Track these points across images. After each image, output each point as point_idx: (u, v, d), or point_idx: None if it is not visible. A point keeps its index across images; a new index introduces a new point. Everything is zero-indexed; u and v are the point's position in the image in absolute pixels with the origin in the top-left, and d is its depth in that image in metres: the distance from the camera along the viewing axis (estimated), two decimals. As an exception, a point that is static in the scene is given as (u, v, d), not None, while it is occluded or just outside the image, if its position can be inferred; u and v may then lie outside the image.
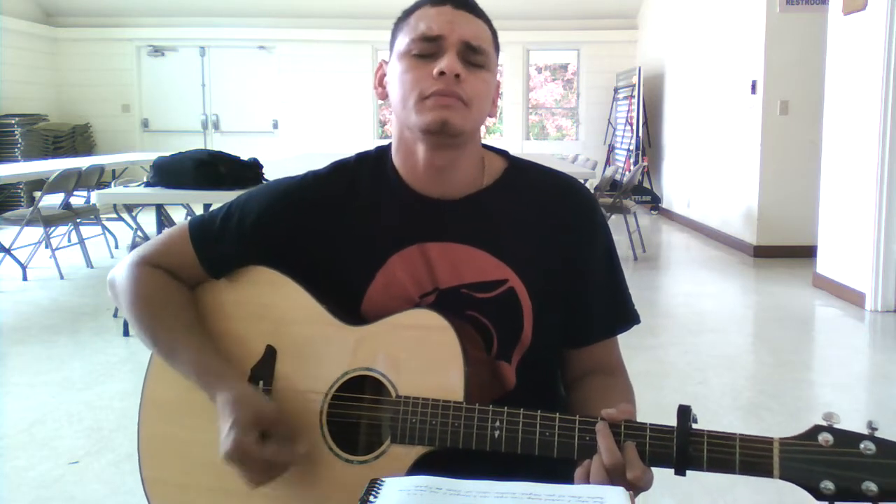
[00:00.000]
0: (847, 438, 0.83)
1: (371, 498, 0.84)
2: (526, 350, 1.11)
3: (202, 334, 1.11)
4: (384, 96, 1.12)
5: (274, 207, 1.14)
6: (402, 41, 1.06)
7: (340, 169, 1.17)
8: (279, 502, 1.04)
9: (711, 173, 7.55)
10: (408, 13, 1.09)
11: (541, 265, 1.11)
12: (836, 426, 0.85)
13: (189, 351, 1.07)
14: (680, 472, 0.89)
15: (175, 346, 1.09)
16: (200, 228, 1.16)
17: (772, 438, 0.86)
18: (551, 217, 1.13)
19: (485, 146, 1.17)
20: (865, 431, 0.83)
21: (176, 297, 1.13)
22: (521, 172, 1.17)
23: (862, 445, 0.82)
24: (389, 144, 1.16)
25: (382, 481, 0.87)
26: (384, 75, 1.12)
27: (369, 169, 1.16)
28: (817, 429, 0.85)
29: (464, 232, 1.10)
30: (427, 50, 1.04)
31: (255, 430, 0.98)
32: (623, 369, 1.19)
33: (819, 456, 0.83)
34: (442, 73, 1.01)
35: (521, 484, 0.85)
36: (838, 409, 3.11)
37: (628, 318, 1.17)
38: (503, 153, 1.19)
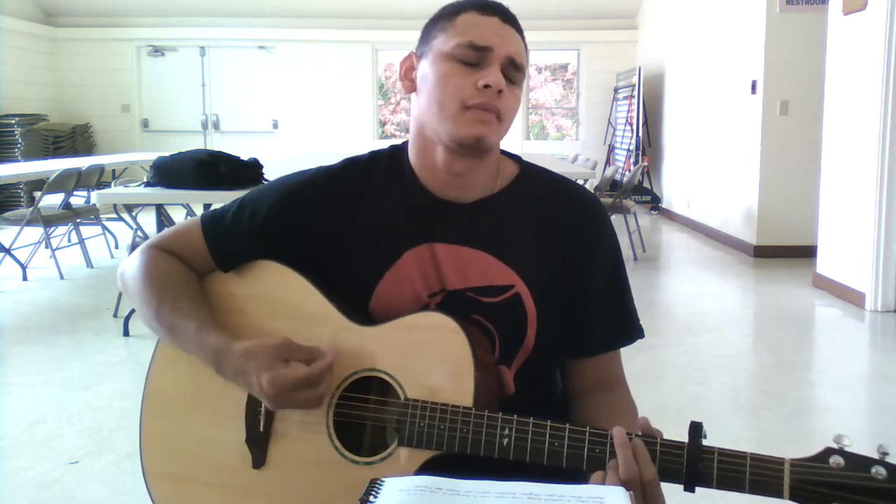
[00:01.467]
0: (858, 462, 0.83)
1: (371, 498, 0.84)
2: (527, 357, 1.11)
3: (208, 311, 1.11)
4: (411, 90, 1.11)
5: (285, 204, 1.14)
6: (446, 42, 1.05)
7: (352, 166, 1.17)
8: (283, 501, 1.04)
9: (711, 173, 7.55)
10: (453, 13, 1.08)
11: (548, 272, 1.11)
12: (847, 449, 0.84)
13: (193, 325, 1.08)
14: (689, 488, 0.89)
15: (178, 321, 1.09)
16: (212, 223, 1.17)
17: (783, 459, 0.86)
18: (559, 225, 1.13)
19: (500, 151, 1.17)
20: (876, 455, 0.83)
21: (183, 277, 1.14)
22: (532, 178, 1.17)
23: (873, 470, 0.82)
24: (404, 143, 1.16)
25: (382, 481, 0.87)
26: (412, 68, 1.11)
27: (382, 167, 1.16)
28: (828, 451, 0.85)
29: (473, 235, 1.10)
30: (473, 58, 1.03)
31: (278, 362, 1.00)
32: (625, 385, 1.18)
33: (830, 479, 0.83)
34: (487, 87, 1.02)
35: (521, 484, 0.85)
36: (838, 409, 3.10)
37: (631, 332, 1.16)
38: (516, 158, 1.19)
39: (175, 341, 1.10)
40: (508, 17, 1.07)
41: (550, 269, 1.11)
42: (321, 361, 1.00)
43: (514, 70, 1.05)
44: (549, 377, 1.19)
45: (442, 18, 1.08)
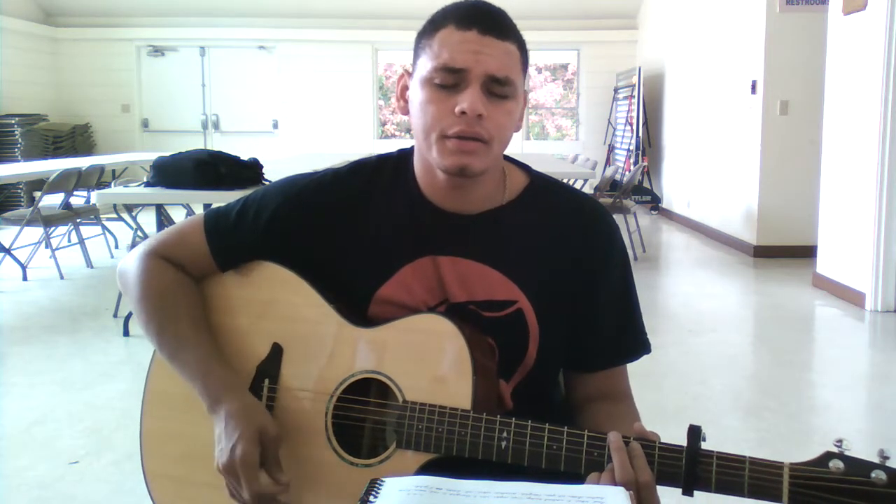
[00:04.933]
0: (858, 467, 0.82)
1: (371, 498, 0.84)
2: (527, 372, 1.10)
3: (209, 338, 1.10)
4: (406, 111, 1.08)
5: (291, 205, 1.13)
6: (425, 65, 1.02)
7: (360, 169, 1.16)
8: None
9: (711, 173, 7.54)
10: (434, 27, 1.03)
11: (553, 289, 1.09)
12: (847, 453, 0.84)
13: (195, 355, 1.07)
14: (687, 492, 0.89)
15: (180, 349, 1.08)
16: (215, 221, 1.16)
17: (782, 463, 0.85)
18: (568, 240, 1.11)
19: (507, 158, 1.14)
20: (876, 459, 0.82)
21: (185, 296, 1.13)
22: (542, 191, 1.14)
23: (873, 475, 0.81)
24: (411, 148, 1.14)
25: (382, 481, 0.87)
26: (406, 88, 1.08)
27: (389, 173, 1.14)
28: (828, 455, 0.84)
29: (478, 249, 1.09)
30: (449, 81, 0.99)
31: (258, 447, 0.99)
32: (630, 397, 1.17)
33: (829, 483, 0.83)
34: (464, 113, 0.98)
35: (521, 484, 0.85)
36: (838, 409, 3.08)
37: (637, 348, 1.16)
38: (525, 168, 1.17)
39: (174, 367, 1.09)
40: (490, 27, 1.00)
41: (556, 284, 1.10)
42: (273, 488, 0.98)
43: (498, 85, 1.00)
44: (548, 393, 1.18)
45: (425, 34, 1.04)
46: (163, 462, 1.12)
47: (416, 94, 1.03)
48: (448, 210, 1.10)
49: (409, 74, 1.07)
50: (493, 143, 1.02)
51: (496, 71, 0.99)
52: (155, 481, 1.12)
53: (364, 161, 1.17)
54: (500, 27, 1.01)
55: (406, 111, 1.08)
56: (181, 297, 1.13)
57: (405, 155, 1.15)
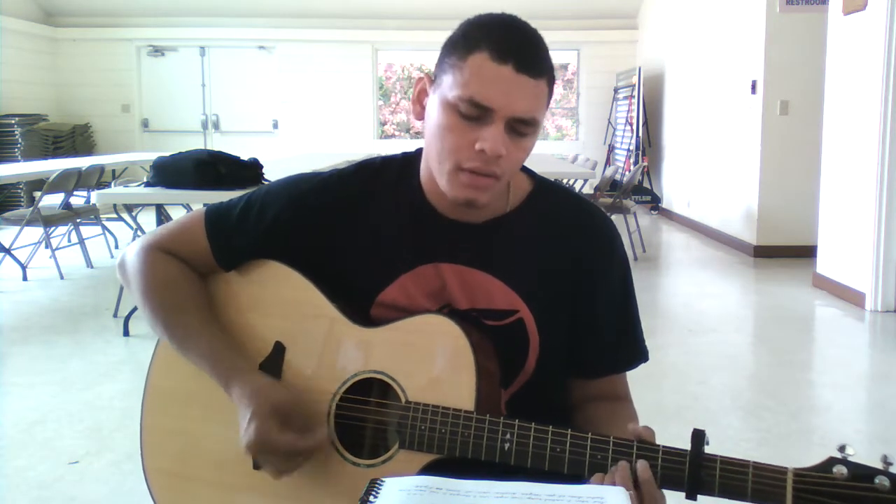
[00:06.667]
0: (862, 472, 0.83)
1: (371, 498, 0.84)
2: (527, 380, 1.10)
3: (216, 325, 1.10)
4: (421, 117, 1.06)
5: (294, 206, 1.13)
6: (452, 87, 0.98)
7: (363, 170, 1.15)
8: (283, 501, 1.04)
9: (711, 173, 7.54)
10: (466, 48, 0.98)
11: (554, 299, 1.09)
12: (850, 458, 0.84)
13: (202, 342, 1.07)
14: (691, 496, 0.89)
15: (188, 337, 1.08)
16: (217, 219, 1.16)
17: (786, 468, 0.85)
18: (569, 247, 1.11)
19: None
20: (879, 464, 0.83)
21: (189, 286, 1.13)
22: (546, 197, 1.14)
23: (877, 480, 0.81)
24: (417, 152, 1.13)
25: (382, 481, 0.87)
26: (425, 93, 1.05)
27: (393, 175, 1.14)
28: (832, 461, 0.84)
29: (481, 258, 1.09)
30: (473, 113, 0.97)
31: (275, 419, 0.98)
32: (629, 398, 1.18)
33: (833, 489, 0.83)
34: (483, 151, 0.97)
35: (521, 484, 0.85)
36: (838, 409, 3.08)
37: (636, 357, 1.16)
38: (530, 173, 1.16)
39: (185, 356, 1.09)
40: (526, 64, 0.96)
41: (557, 294, 1.10)
42: (308, 440, 0.99)
43: (522, 125, 0.98)
44: (545, 399, 1.17)
45: (456, 50, 0.99)
46: (163, 458, 1.12)
47: (435, 112, 1.01)
48: (452, 218, 1.10)
49: (431, 81, 1.04)
50: (503, 178, 1.02)
51: (523, 113, 0.97)
52: (154, 477, 1.12)
53: (368, 162, 1.17)
54: (536, 62, 0.97)
55: (421, 117, 1.06)
56: (186, 288, 1.13)
57: (410, 159, 1.14)
